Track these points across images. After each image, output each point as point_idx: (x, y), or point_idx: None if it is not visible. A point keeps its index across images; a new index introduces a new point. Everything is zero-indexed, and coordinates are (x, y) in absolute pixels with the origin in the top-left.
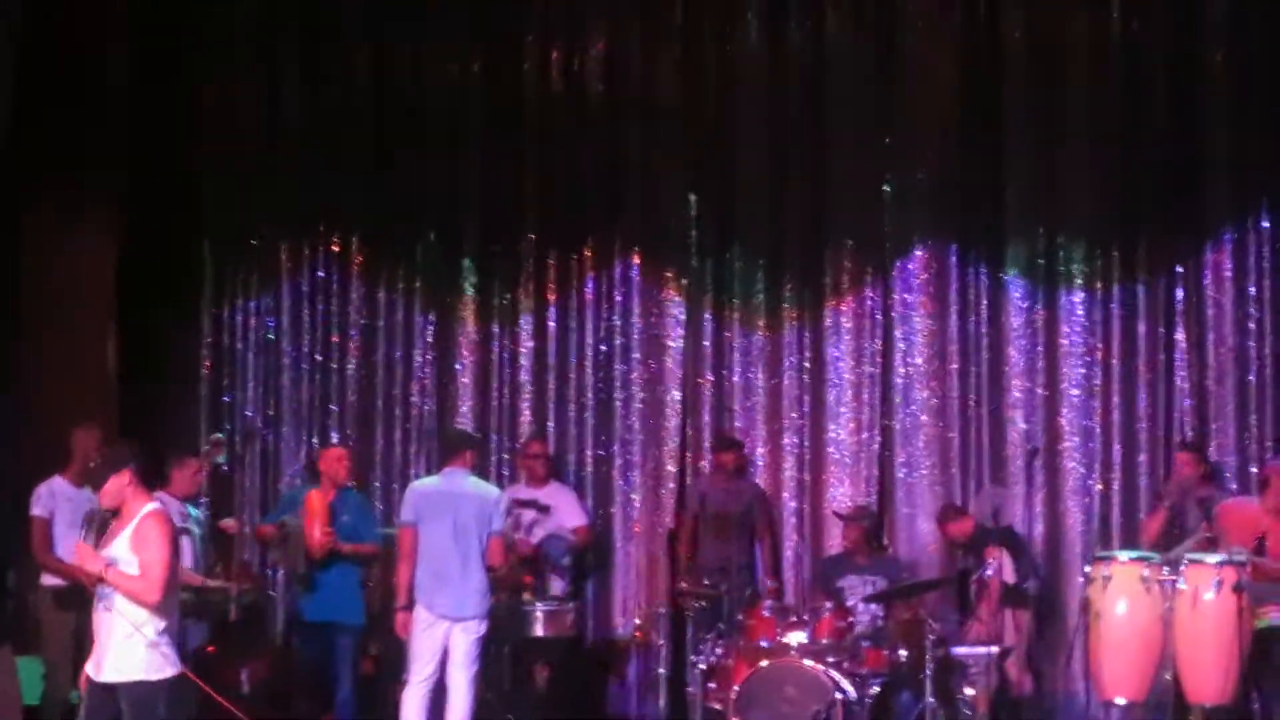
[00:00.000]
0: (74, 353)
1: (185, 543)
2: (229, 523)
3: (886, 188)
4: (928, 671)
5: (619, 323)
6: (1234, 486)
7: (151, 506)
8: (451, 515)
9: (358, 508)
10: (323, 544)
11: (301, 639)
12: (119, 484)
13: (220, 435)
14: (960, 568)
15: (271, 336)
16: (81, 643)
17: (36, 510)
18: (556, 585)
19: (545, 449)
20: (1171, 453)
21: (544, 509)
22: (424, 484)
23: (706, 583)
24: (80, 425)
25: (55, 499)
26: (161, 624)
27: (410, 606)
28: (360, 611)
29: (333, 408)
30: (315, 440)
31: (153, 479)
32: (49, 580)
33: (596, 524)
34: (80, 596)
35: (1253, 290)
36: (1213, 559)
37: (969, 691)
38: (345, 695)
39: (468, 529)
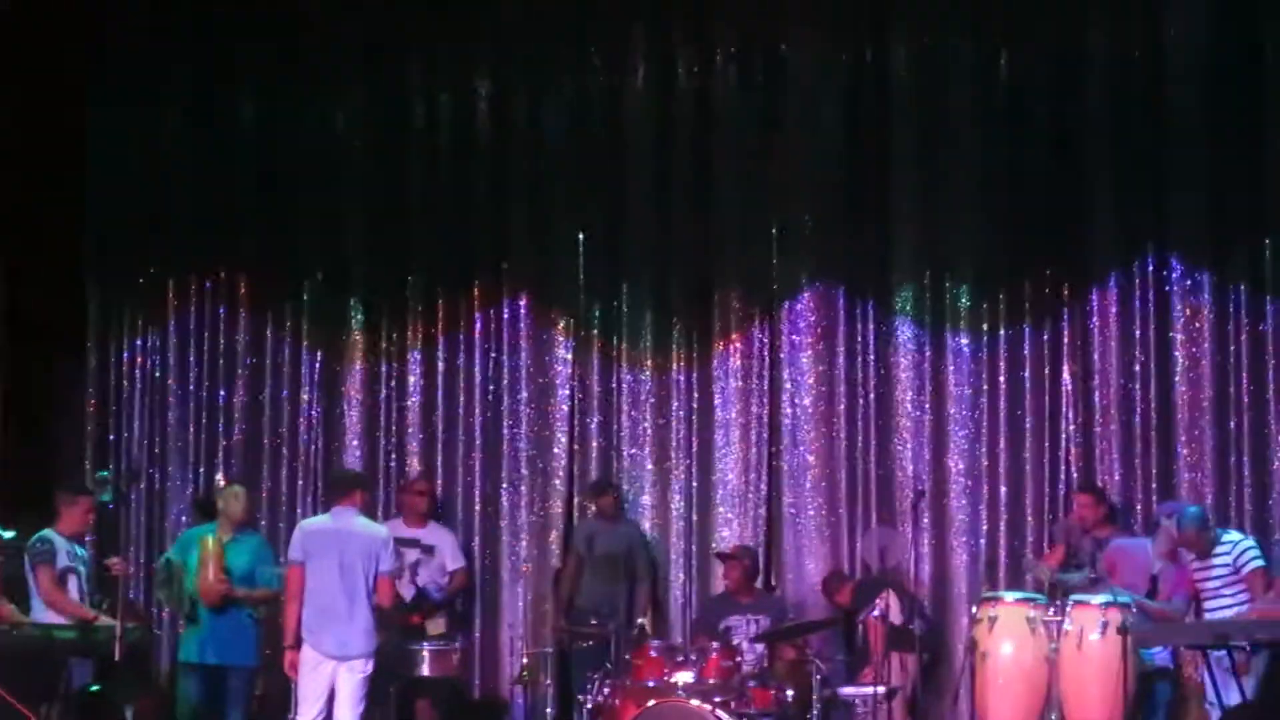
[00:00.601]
0: None
1: (71, 581)
2: (115, 561)
3: (774, 230)
4: (814, 712)
5: (507, 362)
6: (1136, 527)
7: None
8: (338, 554)
9: (255, 550)
10: (217, 591)
11: (189, 680)
12: None
13: (106, 473)
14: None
15: (158, 374)
16: None
17: None
18: (439, 625)
19: (430, 487)
20: (1058, 493)
21: (427, 549)
22: (312, 523)
23: (593, 621)
24: None
25: None
26: None
27: (298, 646)
28: (252, 653)
29: (220, 445)
30: (202, 478)
31: None
32: None
33: (476, 565)
34: None
35: (1138, 332)
36: (1098, 599)
37: None
38: None
39: (355, 568)
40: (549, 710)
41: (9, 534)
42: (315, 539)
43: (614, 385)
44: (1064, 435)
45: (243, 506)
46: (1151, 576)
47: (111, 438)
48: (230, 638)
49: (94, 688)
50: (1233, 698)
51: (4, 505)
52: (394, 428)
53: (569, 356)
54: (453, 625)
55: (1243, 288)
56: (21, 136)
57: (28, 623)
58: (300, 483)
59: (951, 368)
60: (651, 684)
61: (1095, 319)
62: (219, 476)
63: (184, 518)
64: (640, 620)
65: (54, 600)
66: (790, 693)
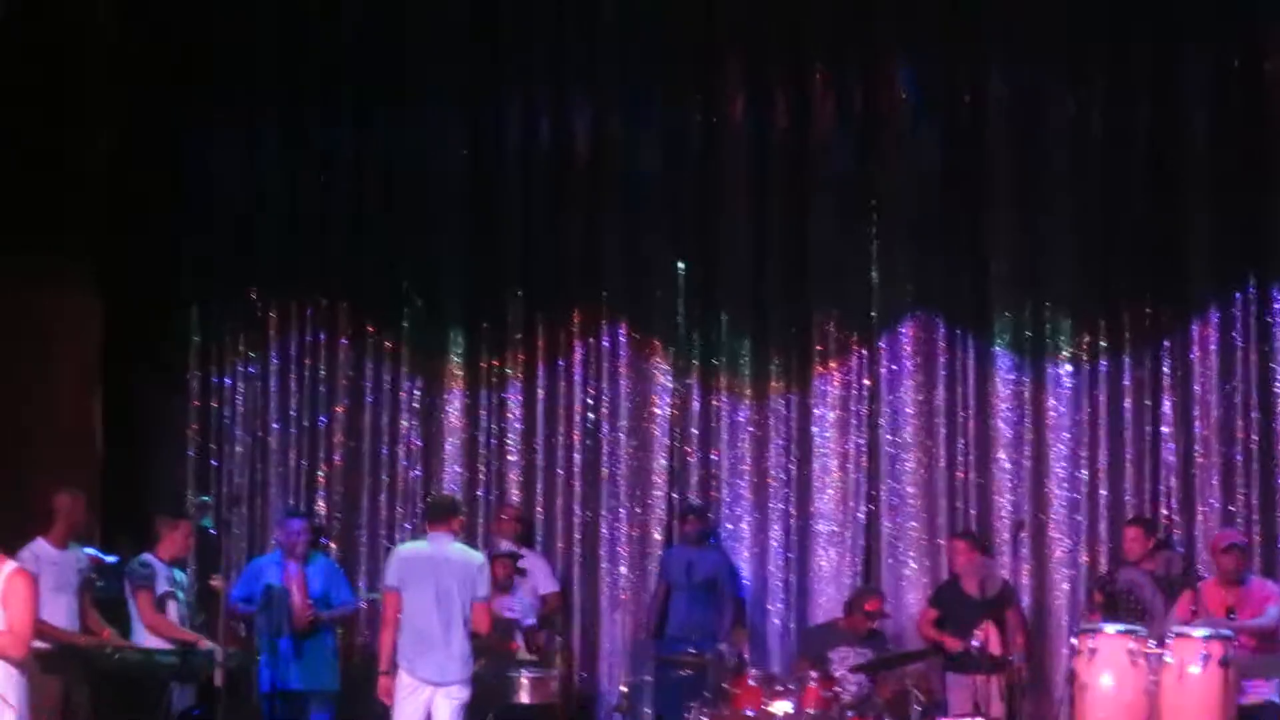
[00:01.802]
0: (59, 416)
1: (170, 606)
2: (219, 581)
3: (873, 259)
4: None
5: (606, 391)
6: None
7: (12, 566)
8: (435, 580)
9: (327, 573)
10: (304, 619)
11: (279, 707)
12: None
13: (206, 498)
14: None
15: (258, 400)
16: (71, 707)
17: None
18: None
19: (521, 513)
20: (1158, 523)
21: (520, 572)
22: (408, 548)
23: (691, 650)
24: (64, 489)
25: (39, 562)
26: (17, 676)
27: (392, 671)
28: (336, 678)
29: (319, 471)
30: (302, 504)
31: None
32: (35, 644)
33: (575, 594)
34: (68, 661)
35: (1238, 363)
36: (1199, 632)
37: None
38: None
39: (451, 594)
40: None
41: (110, 558)
42: (412, 565)
43: (713, 414)
44: (1163, 466)
45: (304, 541)
46: (1227, 606)
47: (212, 463)
48: (314, 664)
49: (195, 711)
50: None
51: (105, 530)
52: (493, 455)
53: (668, 385)
54: (550, 652)
55: None
56: (124, 163)
57: (129, 646)
58: (399, 510)
59: (1051, 398)
60: (750, 713)
61: (1195, 349)
62: (319, 501)
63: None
64: (738, 649)
65: (155, 624)
66: None
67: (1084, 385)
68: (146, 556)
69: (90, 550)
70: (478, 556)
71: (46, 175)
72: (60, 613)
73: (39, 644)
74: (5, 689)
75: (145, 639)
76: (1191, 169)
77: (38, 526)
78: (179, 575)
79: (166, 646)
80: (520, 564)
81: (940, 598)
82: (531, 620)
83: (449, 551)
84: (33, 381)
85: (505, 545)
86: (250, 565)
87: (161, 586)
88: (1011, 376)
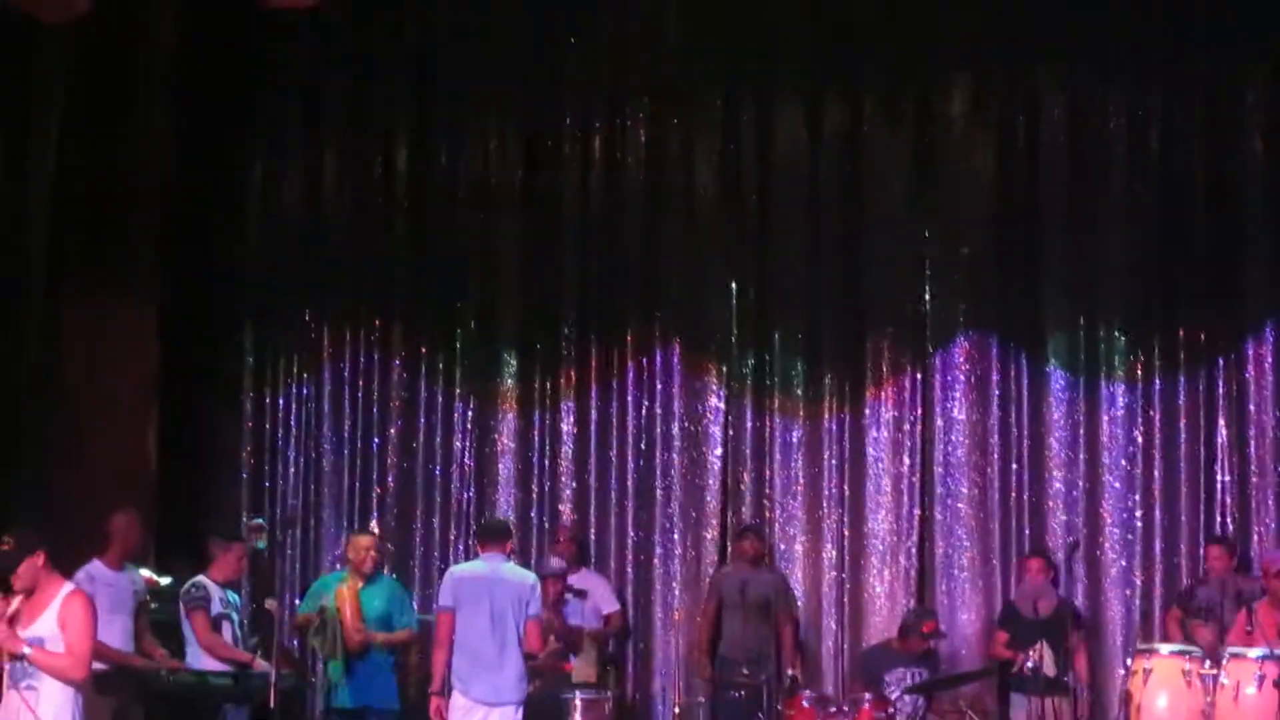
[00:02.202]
0: (114, 437)
1: (225, 627)
2: (272, 603)
3: (926, 278)
4: None
5: (660, 411)
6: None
7: (70, 587)
8: (490, 601)
9: (391, 594)
10: (356, 640)
11: None
12: (32, 566)
13: (260, 520)
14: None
15: (312, 421)
16: None
17: None
18: (588, 672)
19: (577, 533)
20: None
21: (579, 593)
22: (463, 569)
23: (745, 672)
24: (120, 509)
25: (95, 583)
26: (74, 697)
27: (445, 692)
28: (394, 696)
29: (373, 493)
30: (355, 524)
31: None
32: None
33: (629, 614)
34: (123, 682)
35: None
36: (1254, 653)
37: None
38: None
39: (505, 615)
40: None
41: (164, 579)
42: (466, 585)
43: (766, 434)
44: (1219, 486)
45: (371, 558)
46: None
47: (266, 484)
48: (372, 683)
49: None
50: None
51: (159, 551)
52: (546, 475)
53: (721, 405)
54: (604, 674)
55: None
56: (179, 186)
57: (184, 668)
58: (453, 531)
59: (1105, 417)
60: None
61: (1250, 368)
62: (373, 523)
63: (338, 565)
64: (791, 671)
65: (211, 645)
66: None
67: (1138, 405)
68: (201, 578)
69: (145, 572)
70: (530, 576)
71: (105, 191)
72: (116, 634)
73: (96, 665)
74: (64, 711)
75: (200, 661)
76: (1249, 187)
77: (94, 548)
78: (233, 597)
79: (221, 668)
80: (579, 584)
81: (1004, 617)
82: (595, 623)
83: (503, 572)
84: (89, 401)
85: (556, 563)
86: (316, 583)
87: (216, 608)
88: (1065, 396)
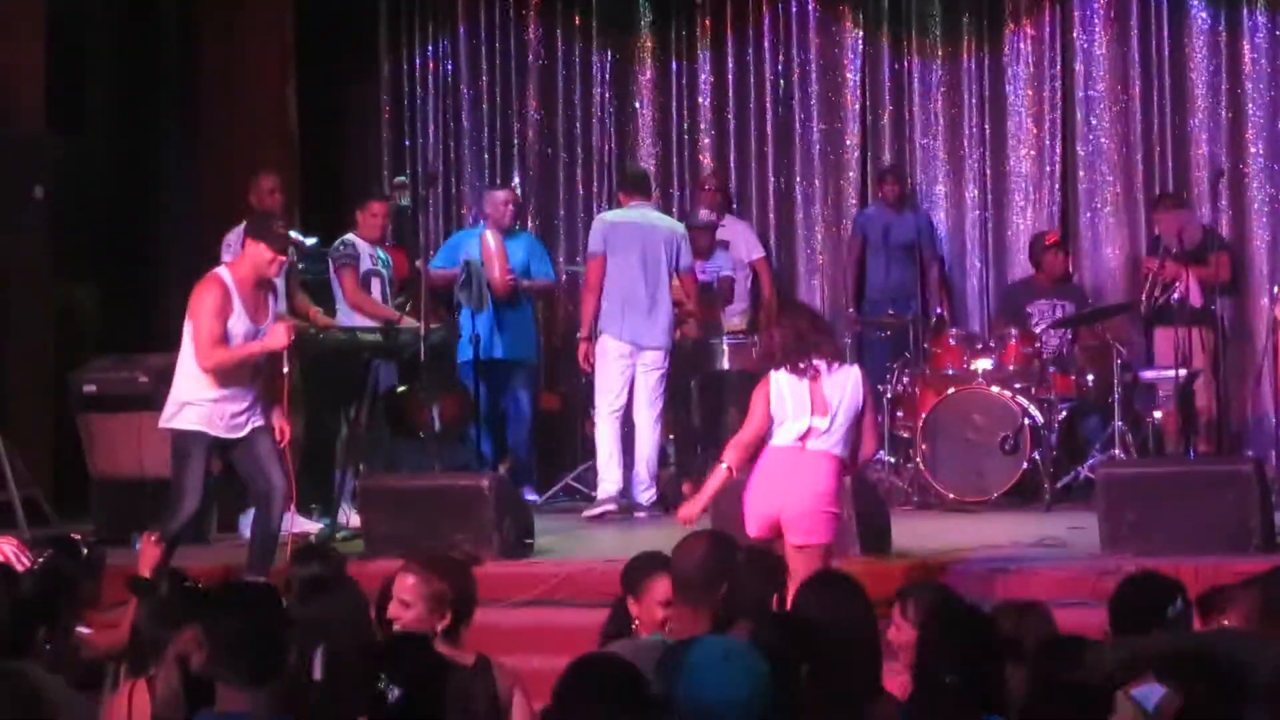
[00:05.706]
0: (255, 103)
1: (375, 284)
2: (418, 261)
3: None
4: (1115, 395)
5: (796, 57)
6: None
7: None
8: (642, 246)
9: (530, 247)
10: (504, 284)
11: (483, 374)
12: None
13: (404, 178)
14: (1145, 292)
15: (450, 79)
16: None
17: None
18: (734, 319)
19: (722, 181)
20: None
21: (722, 243)
22: (614, 215)
23: (890, 312)
24: (262, 173)
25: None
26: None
27: (593, 337)
28: (536, 350)
29: (514, 149)
30: (496, 181)
31: None
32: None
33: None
34: None
35: None
36: None
37: (1157, 415)
38: (521, 437)
39: (658, 262)
40: None
41: (311, 240)
42: (618, 231)
43: (904, 75)
44: None
45: (509, 212)
46: None
47: (406, 143)
48: (515, 332)
49: (400, 389)
50: None
51: (305, 213)
52: (685, 125)
53: (858, 48)
54: (753, 319)
55: None
56: None
57: (334, 325)
58: (596, 185)
59: (1248, 46)
60: (951, 372)
61: None
62: (515, 178)
63: (480, 222)
64: (938, 309)
65: (359, 303)
66: (1091, 377)
67: None
68: (350, 236)
69: (292, 234)
70: (679, 226)
71: None
72: None
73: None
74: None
75: (350, 318)
76: None
77: (239, 214)
78: (381, 255)
79: (370, 324)
80: (723, 235)
81: (1150, 249)
82: (728, 271)
83: (654, 219)
84: (229, 72)
85: (704, 215)
86: (452, 237)
87: (365, 265)
88: (1207, 26)
